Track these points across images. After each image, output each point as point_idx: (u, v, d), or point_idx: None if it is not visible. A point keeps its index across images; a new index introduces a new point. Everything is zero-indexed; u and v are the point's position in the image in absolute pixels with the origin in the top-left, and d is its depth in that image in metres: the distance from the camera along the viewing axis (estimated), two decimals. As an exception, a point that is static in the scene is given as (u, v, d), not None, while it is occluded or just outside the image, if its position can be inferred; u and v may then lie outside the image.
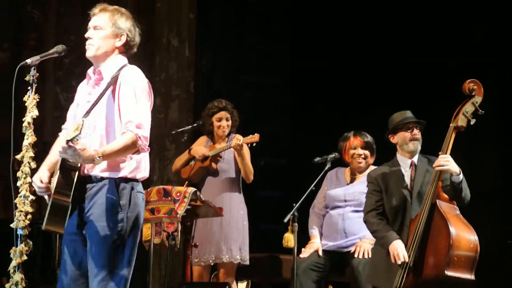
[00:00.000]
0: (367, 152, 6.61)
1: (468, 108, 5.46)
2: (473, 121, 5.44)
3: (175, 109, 8.79)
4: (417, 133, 5.84)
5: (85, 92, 4.50)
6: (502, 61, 8.12)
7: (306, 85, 9.13)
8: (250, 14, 9.61)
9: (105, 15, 4.46)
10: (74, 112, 4.50)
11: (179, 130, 7.34)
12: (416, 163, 5.82)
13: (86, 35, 4.46)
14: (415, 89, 8.25)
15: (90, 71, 4.52)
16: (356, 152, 6.60)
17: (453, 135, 5.45)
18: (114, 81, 4.35)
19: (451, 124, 5.46)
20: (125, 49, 4.50)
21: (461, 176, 5.44)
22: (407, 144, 5.83)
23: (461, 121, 5.44)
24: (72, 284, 4.39)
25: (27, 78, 4.32)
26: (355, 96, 8.67)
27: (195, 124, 7.09)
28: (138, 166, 4.41)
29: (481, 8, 8.19)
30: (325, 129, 7.18)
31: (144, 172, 4.44)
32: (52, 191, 4.22)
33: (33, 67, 4.32)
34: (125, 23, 4.47)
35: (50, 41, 8.05)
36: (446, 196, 5.46)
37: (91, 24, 4.47)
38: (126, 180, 4.36)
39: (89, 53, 4.45)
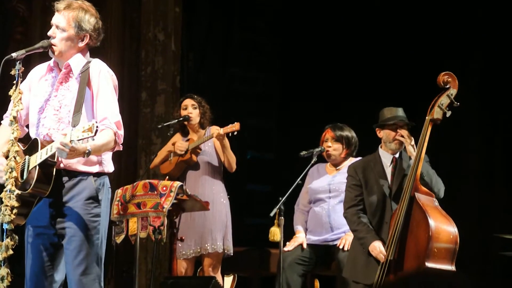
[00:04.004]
0: (337, 146, 6.64)
1: (444, 100, 5.48)
2: (448, 114, 5.47)
3: (161, 103, 8.78)
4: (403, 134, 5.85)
5: (47, 83, 4.48)
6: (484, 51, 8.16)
7: (294, 79, 9.13)
8: (237, 8, 9.59)
9: (69, 14, 4.39)
10: (33, 104, 4.48)
11: (165, 124, 7.34)
12: (397, 160, 5.83)
13: (49, 33, 4.43)
14: (405, 84, 8.26)
15: (53, 63, 4.50)
16: (327, 145, 6.64)
17: (430, 128, 5.47)
18: (86, 75, 4.36)
19: (427, 117, 5.48)
20: (88, 47, 4.49)
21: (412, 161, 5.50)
22: (391, 142, 5.85)
23: (436, 113, 5.47)
24: (40, 277, 4.40)
25: (12, 72, 4.31)
26: (343, 90, 8.67)
27: (181, 118, 7.10)
28: (109, 160, 4.48)
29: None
30: (313, 123, 7.18)
31: (111, 166, 4.51)
32: (31, 186, 4.24)
33: (18, 61, 4.31)
34: (89, 22, 4.42)
35: (36, 35, 8.02)
36: (424, 188, 5.49)
37: (54, 21, 4.42)
38: (100, 174, 4.42)
39: (52, 54, 4.43)
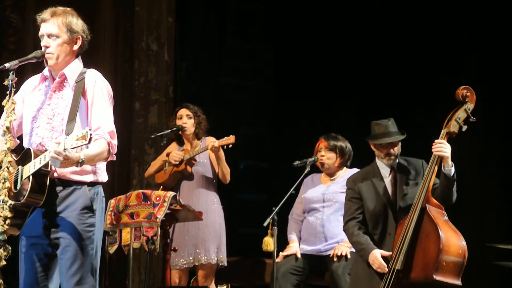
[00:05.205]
0: (330, 155, 6.66)
1: (461, 114, 5.47)
2: (464, 128, 5.46)
3: (155, 113, 8.77)
4: (393, 151, 5.82)
5: (41, 93, 4.47)
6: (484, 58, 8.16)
7: (288, 87, 9.13)
8: (230, 17, 9.61)
9: (58, 20, 4.40)
10: (26, 114, 4.47)
11: (158, 134, 7.34)
12: (396, 170, 5.82)
13: (43, 43, 4.42)
14: (401, 92, 8.26)
15: (47, 73, 4.49)
16: (320, 154, 6.65)
17: (445, 140, 5.47)
18: (81, 85, 4.36)
19: (443, 130, 5.47)
20: (81, 49, 4.50)
21: (453, 168, 5.47)
22: (382, 158, 5.84)
23: (453, 127, 5.46)
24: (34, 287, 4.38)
25: (6, 83, 4.31)
26: (338, 98, 8.68)
27: (175, 128, 7.10)
28: (103, 170, 4.47)
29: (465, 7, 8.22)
30: (308, 133, 7.18)
31: (106, 176, 4.50)
32: (25, 196, 4.22)
33: (11, 72, 4.30)
34: (78, 25, 4.44)
35: (29, 45, 8.01)
36: (435, 201, 5.47)
37: (44, 31, 4.41)
38: (94, 184, 4.41)
39: (50, 63, 4.42)
